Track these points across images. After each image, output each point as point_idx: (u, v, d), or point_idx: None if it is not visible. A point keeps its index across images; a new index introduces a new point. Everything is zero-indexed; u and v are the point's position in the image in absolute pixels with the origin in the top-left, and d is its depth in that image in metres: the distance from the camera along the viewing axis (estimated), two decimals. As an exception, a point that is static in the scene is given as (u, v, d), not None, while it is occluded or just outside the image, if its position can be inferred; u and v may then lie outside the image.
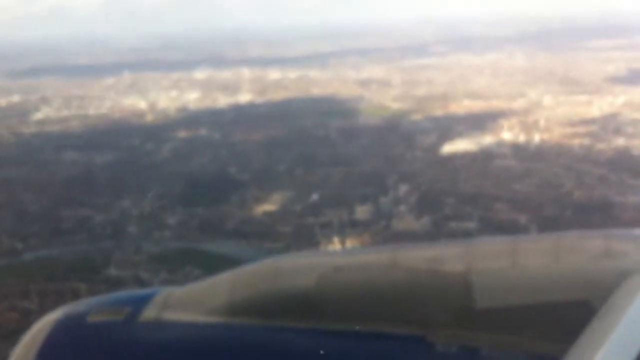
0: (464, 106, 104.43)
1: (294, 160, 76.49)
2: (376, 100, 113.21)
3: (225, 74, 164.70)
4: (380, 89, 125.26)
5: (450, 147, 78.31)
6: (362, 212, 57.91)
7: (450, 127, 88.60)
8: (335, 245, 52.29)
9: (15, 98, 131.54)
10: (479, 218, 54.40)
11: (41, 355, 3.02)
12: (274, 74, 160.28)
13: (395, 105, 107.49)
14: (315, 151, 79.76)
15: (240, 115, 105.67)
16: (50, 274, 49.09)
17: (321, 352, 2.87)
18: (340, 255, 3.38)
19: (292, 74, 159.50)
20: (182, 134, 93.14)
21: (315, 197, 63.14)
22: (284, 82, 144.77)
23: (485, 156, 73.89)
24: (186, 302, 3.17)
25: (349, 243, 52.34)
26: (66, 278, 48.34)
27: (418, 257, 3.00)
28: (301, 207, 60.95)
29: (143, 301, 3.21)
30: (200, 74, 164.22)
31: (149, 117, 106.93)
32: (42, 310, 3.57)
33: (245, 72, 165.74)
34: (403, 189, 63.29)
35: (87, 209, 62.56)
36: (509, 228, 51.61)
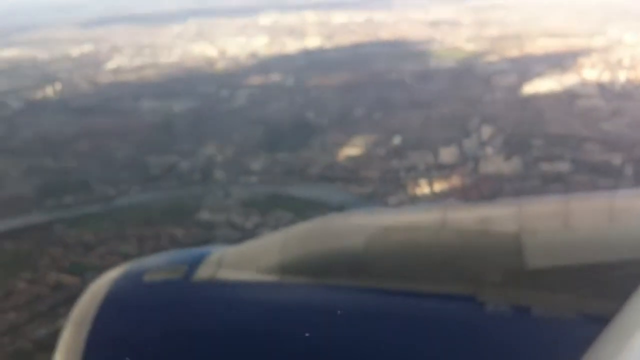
0: (541, 46, 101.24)
1: (370, 105, 75.76)
2: (448, 42, 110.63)
3: (290, 19, 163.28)
4: (451, 30, 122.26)
5: (531, 88, 76.30)
6: (447, 154, 57.18)
7: (528, 67, 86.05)
8: (423, 188, 52.04)
9: (87, 48, 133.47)
10: (571, 159, 53.10)
11: (100, 314, 3.09)
12: (339, 18, 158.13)
13: (469, 47, 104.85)
14: (391, 95, 78.78)
15: (311, 60, 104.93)
16: (145, 219, 50.33)
17: (371, 310, 2.91)
18: (390, 215, 3.34)
19: (358, 17, 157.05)
20: (256, 80, 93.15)
21: (397, 140, 62.56)
22: (350, 26, 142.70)
23: (569, 96, 71.73)
24: (239, 261, 3.24)
25: (437, 186, 51.96)
26: (161, 223, 49.55)
27: (468, 217, 3.01)
28: (384, 151, 60.52)
29: (198, 260, 3.28)
30: (265, 19, 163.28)
31: (221, 64, 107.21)
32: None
33: (310, 17, 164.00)
34: (487, 131, 62.06)
35: (173, 155, 63.52)
36: (603, 169, 50.40)
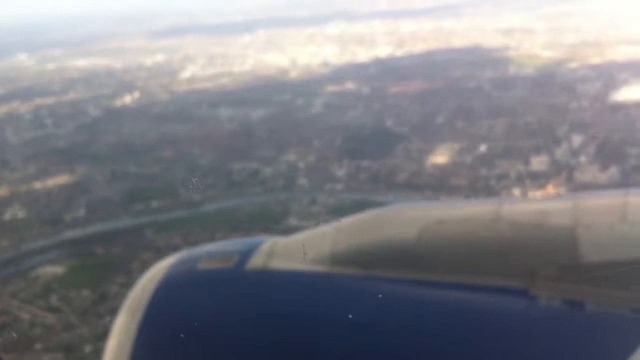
0: (623, 53, 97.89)
1: (451, 112, 74.32)
2: (524, 49, 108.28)
3: (357, 28, 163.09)
4: (526, 37, 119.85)
5: (619, 96, 73.58)
6: (538, 163, 55.32)
7: (612, 74, 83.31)
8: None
9: (160, 57, 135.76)
10: (673, 169, 50.68)
11: (153, 300, 3.19)
12: (407, 26, 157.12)
13: (547, 54, 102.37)
14: (471, 103, 77.19)
15: (384, 68, 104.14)
16: (233, 224, 50.01)
17: (422, 302, 2.87)
18: (443, 207, 3.34)
19: (427, 25, 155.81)
20: (330, 88, 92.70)
21: (483, 148, 60.97)
22: (420, 34, 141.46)
23: (662, 104, 68.85)
24: (291, 251, 3.29)
25: (532, 196, 50.15)
26: (249, 228, 49.09)
27: (522, 210, 2.97)
28: (472, 159, 59.01)
29: (250, 249, 3.36)
30: (332, 29, 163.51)
31: (293, 73, 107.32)
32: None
33: (377, 25, 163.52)
34: (577, 139, 59.88)
35: (254, 162, 63.36)
36: None
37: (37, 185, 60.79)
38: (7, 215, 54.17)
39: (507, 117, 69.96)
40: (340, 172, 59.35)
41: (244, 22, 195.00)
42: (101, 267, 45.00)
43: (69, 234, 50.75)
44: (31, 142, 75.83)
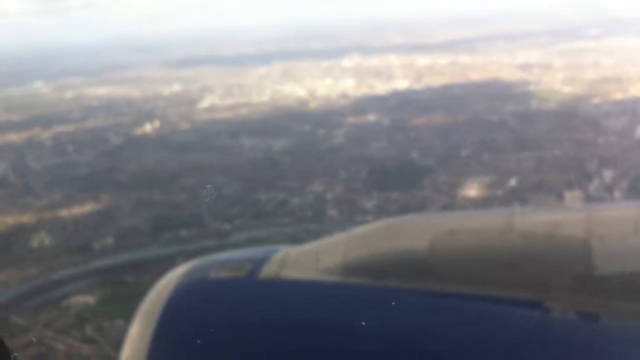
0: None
1: (476, 145, 73.83)
2: (544, 84, 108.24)
3: (373, 61, 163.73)
4: (544, 73, 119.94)
5: (646, 131, 73.10)
6: (572, 198, 54.41)
7: (637, 110, 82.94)
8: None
9: (177, 87, 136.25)
10: None
11: (167, 307, 3.18)
12: (422, 60, 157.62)
13: (567, 89, 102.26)
14: (496, 136, 76.79)
15: (403, 101, 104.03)
16: (265, 255, 49.22)
17: (434, 313, 2.82)
18: (455, 218, 3.28)
19: (442, 59, 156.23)
20: (351, 119, 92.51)
21: (513, 182, 60.36)
22: (436, 68, 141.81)
23: (691, 140, 68.33)
24: (303, 261, 3.28)
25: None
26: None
27: (535, 221, 2.95)
28: (502, 193, 58.35)
29: (263, 259, 3.38)
30: (348, 62, 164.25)
31: (313, 104, 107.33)
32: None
33: (393, 59, 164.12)
34: (608, 174, 59.30)
35: (281, 192, 62.79)
36: None
37: (63, 212, 60.23)
38: (34, 243, 53.54)
39: (534, 151, 69.46)
40: (369, 204, 58.64)
41: (258, 54, 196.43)
42: (132, 297, 43.58)
43: (98, 263, 50.01)
44: (54, 168, 75.52)
